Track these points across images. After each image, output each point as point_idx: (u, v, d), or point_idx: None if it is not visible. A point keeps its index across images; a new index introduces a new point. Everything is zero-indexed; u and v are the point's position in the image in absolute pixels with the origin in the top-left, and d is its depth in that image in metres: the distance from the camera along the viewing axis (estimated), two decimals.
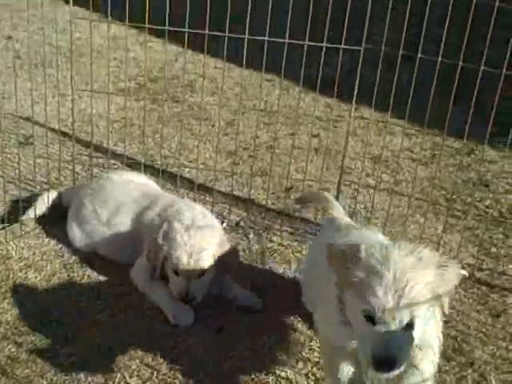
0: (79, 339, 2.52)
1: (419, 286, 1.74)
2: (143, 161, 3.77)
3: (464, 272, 3.08)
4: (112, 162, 3.88)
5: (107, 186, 3.18)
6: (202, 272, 2.70)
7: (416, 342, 1.80)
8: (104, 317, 2.67)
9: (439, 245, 3.36)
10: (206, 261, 2.71)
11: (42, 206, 3.29)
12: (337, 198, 3.46)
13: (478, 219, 3.69)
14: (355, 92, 3.33)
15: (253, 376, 2.43)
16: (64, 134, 4.04)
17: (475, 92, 3.02)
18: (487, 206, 3.85)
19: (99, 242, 3.02)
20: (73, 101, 3.58)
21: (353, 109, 3.42)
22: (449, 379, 2.47)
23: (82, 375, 2.35)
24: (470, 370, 2.53)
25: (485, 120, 3.05)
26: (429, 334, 1.91)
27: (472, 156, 4.50)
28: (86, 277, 2.91)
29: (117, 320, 2.66)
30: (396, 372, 1.76)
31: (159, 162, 3.90)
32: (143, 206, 3.03)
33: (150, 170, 3.84)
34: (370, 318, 1.74)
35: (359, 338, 1.81)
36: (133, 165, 3.81)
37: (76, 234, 3.07)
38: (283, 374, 2.45)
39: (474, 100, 3.03)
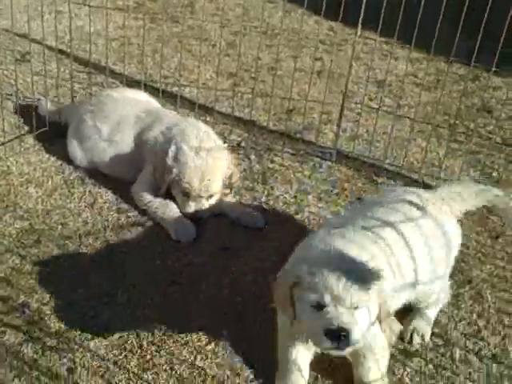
0: (81, 253, 2.54)
1: None
2: (143, 79, 3.70)
3: None
4: (111, 80, 3.81)
5: (108, 102, 3.12)
6: (211, 194, 2.71)
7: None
8: (106, 232, 2.68)
9: (441, 168, 3.35)
10: (216, 183, 2.73)
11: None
12: (339, 122, 3.44)
13: (480, 144, 3.67)
14: (361, 15, 3.23)
15: (253, 289, 2.46)
16: (61, 52, 3.97)
17: (485, 17, 2.94)
18: (490, 132, 3.82)
19: (100, 158, 2.99)
20: (70, 18, 3.48)
21: (359, 31, 3.34)
22: None
23: (82, 288, 2.38)
24: (467, 288, 2.57)
25: (491, 47, 2.97)
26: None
27: (476, 82, 4.44)
28: (87, 193, 2.91)
29: (118, 235, 2.67)
30: (350, 348, 1.79)
31: (159, 82, 3.82)
32: (146, 123, 2.99)
33: (150, 89, 3.75)
34: (319, 305, 1.77)
35: (310, 329, 1.82)
36: (132, 84, 3.74)
37: (77, 150, 3.04)
38: None
39: (483, 25, 2.96)
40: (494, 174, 3.41)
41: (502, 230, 2.95)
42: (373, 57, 4.36)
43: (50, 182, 2.92)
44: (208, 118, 3.58)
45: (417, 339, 2.29)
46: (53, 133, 3.28)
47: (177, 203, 2.79)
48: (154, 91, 3.73)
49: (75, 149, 3.04)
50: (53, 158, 3.10)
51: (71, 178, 2.98)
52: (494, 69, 3.12)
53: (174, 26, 4.68)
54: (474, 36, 2.99)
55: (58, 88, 3.57)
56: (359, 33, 3.38)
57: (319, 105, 3.65)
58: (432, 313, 2.34)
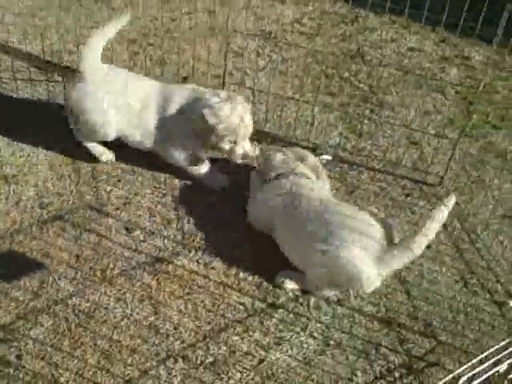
0: (13, 250, 3.13)
1: None
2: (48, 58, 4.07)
3: (328, 157, 3.74)
4: (18, 63, 4.13)
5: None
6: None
7: None
8: (32, 228, 3.25)
9: (312, 125, 3.94)
10: (251, 122, 3.32)
11: None
12: (222, 86, 3.93)
13: (350, 95, 4.26)
14: None
15: None
16: None
17: None
18: (359, 81, 4.40)
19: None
20: None
21: None
22: None
23: (19, 281, 2.99)
24: None
25: None
26: None
27: (355, 24, 4.93)
28: (11, 192, 3.41)
29: (42, 230, 3.25)
30: None
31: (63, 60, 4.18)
32: (164, 97, 3.39)
33: (57, 68, 4.15)
34: None
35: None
36: (38, 65, 4.11)
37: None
38: None
39: None
40: (359, 126, 4.05)
41: (357, 185, 3.64)
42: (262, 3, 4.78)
43: None
44: None
45: None
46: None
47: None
48: (61, 70, 4.13)
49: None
50: None
51: None
52: None
53: None
54: None
55: None
56: None
57: (212, 67, 4.12)
58: None
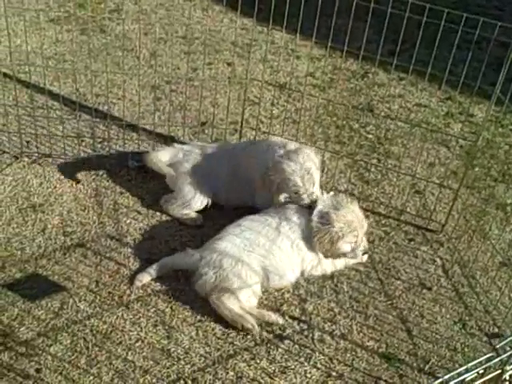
0: (38, 274, 3.32)
1: None
2: (77, 100, 4.36)
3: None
4: (51, 102, 4.43)
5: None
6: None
7: None
8: (56, 254, 3.46)
9: (323, 172, 4.17)
10: (315, 173, 3.47)
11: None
12: (240, 133, 4.19)
13: (360, 145, 4.51)
14: (271, 13, 3.67)
15: None
16: (5, 75, 4.55)
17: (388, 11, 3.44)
18: (368, 132, 4.65)
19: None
20: (9, 34, 3.86)
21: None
22: None
23: (42, 302, 3.18)
24: (329, 281, 3.47)
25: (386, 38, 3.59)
26: None
27: (365, 79, 5.23)
28: (38, 220, 3.64)
29: (65, 256, 3.46)
30: None
31: (91, 101, 4.48)
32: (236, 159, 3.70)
33: (84, 109, 4.44)
34: None
35: None
36: (68, 104, 4.41)
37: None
38: None
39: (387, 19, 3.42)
40: (366, 174, 4.27)
41: None
42: (279, 58, 5.09)
43: (7, 212, 3.64)
44: (134, 136, 4.30)
45: None
46: (3, 163, 3.97)
47: None
48: (88, 110, 4.41)
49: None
50: (8, 189, 3.80)
51: (24, 206, 3.70)
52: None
53: (103, 37, 5.28)
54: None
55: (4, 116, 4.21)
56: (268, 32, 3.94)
57: (230, 115, 4.39)
58: None
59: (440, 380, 1.63)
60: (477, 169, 4.35)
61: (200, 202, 3.68)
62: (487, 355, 1.74)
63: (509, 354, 1.73)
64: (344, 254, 3.38)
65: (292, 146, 3.55)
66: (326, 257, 3.38)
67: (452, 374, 1.66)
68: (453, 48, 3.43)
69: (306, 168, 3.42)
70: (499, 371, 1.80)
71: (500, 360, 1.78)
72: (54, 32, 5.00)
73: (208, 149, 3.83)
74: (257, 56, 5.27)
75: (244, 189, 3.66)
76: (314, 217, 3.32)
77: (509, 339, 1.98)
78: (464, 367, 1.68)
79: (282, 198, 3.53)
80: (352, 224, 3.31)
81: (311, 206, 3.37)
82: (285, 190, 3.47)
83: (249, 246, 3.24)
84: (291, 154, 3.45)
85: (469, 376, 1.70)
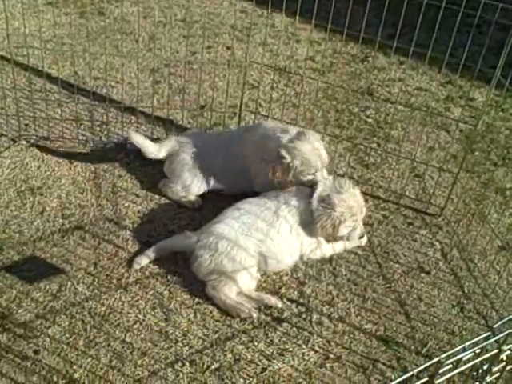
0: (36, 256, 3.32)
1: None
2: (75, 83, 4.34)
3: None
4: (49, 86, 4.41)
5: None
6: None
7: None
8: (54, 236, 3.46)
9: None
10: (324, 151, 3.46)
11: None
12: (239, 117, 4.17)
13: (359, 129, 4.49)
14: None
15: None
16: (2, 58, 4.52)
17: None
18: (368, 116, 4.63)
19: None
20: (6, 17, 3.87)
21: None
22: None
23: (40, 283, 3.18)
24: (328, 264, 3.47)
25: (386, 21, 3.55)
26: None
27: (365, 63, 5.20)
28: (36, 202, 3.64)
29: (63, 238, 3.46)
30: None
31: (89, 84, 4.45)
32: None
33: (82, 92, 4.42)
34: None
35: None
36: (67, 87, 4.38)
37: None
38: None
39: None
40: (366, 158, 4.26)
41: None
42: (278, 41, 5.05)
43: (5, 195, 3.63)
44: (133, 119, 4.28)
45: None
46: (1, 146, 3.96)
47: None
48: (86, 94, 4.39)
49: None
50: (6, 172, 3.79)
51: (22, 189, 3.69)
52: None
53: (101, 20, 5.24)
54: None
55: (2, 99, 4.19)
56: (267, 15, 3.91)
57: (229, 98, 4.37)
58: None
59: (436, 359, 1.63)
60: (476, 153, 4.34)
61: (198, 188, 3.68)
62: (484, 335, 1.75)
63: (506, 333, 1.73)
64: (341, 238, 3.37)
65: (293, 129, 3.52)
66: (328, 241, 3.37)
67: (448, 353, 1.66)
68: (453, 31, 3.39)
69: (318, 147, 3.41)
70: (496, 351, 1.80)
71: (497, 340, 1.78)
72: (53, 15, 4.96)
73: (204, 138, 3.83)
74: (256, 39, 5.23)
75: (241, 177, 3.64)
76: (314, 200, 3.30)
77: (507, 318, 1.98)
78: (461, 346, 1.68)
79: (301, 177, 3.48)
80: (353, 209, 3.30)
81: (312, 189, 3.35)
82: (305, 171, 3.42)
83: (247, 230, 3.22)
84: (300, 136, 3.42)
85: (465, 355, 1.70)
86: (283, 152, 3.41)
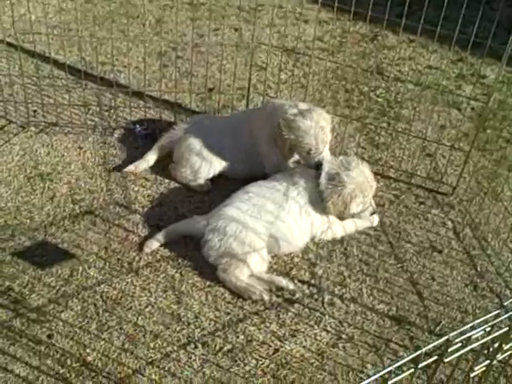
0: (47, 242, 3.33)
1: None
2: (83, 69, 4.33)
3: None
4: (56, 72, 4.39)
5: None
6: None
7: None
8: (65, 222, 3.47)
9: (332, 136, 4.11)
10: (327, 134, 3.42)
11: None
12: (247, 99, 4.15)
13: (369, 109, 4.45)
14: None
15: None
16: (9, 45, 4.52)
17: None
18: (378, 95, 4.58)
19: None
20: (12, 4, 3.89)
21: None
22: None
23: (52, 269, 3.19)
24: (339, 245, 3.46)
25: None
26: None
27: (375, 42, 5.14)
28: (46, 188, 3.64)
29: (74, 223, 3.46)
30: None
31: (96, 70, 4.43)
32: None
33: (89, 77, 4.41)
34: None
35: None
36: (74, 73, 4.37)
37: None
38: None
39: None
40: (376, 138, 4.22)
41: None
42: (285, 21, 5.00)
43: (16, 181, 3.64)
44: (141, 103, 4.26)
45: None
46: (10, 133, 3.97)
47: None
48: (93, 79, 4.37)
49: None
50: (16, 158, 3.80)
51: (32, 175, 3.70)
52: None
53: (107, 5, 5.22)
54: None
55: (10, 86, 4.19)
56: None
57: (237, 80, 4.34)
58: None
59: (446, 337, 1.61)
60: (488, 130, 4.29)
61: (207, 171, 3.66)
62: (495, 312, 1.72)
63: None
64: (352, 215, 3.35)
65: (304, 105, 3.49)
66: (341, 219, 3.35)
67: (458, 331, 1.64)
68: (462, 8, 3.33)
69: (321, 126, 3.37)
70: (506, 328, 1.78)
71: (508, 317, 1.76)
72: (58, 1, 4.94)
73: (210, 122, 3.81)
74: (264, 21, 5.19)
75: (251, 158, 3.63)
76: (323, 179, 3.28)
77: None
78: (470, 324, 1.66)
79: (291, 162, 3.49)
80: (363, 185, 3.28)
81: (318, 168, 3.32)
82: (297, 148, 3.41)
83: (256, 213, 3.21)
84: (305, 112, 3.39)
85: (475, 333, 1.68)
86: (281, 124, 3.39)
